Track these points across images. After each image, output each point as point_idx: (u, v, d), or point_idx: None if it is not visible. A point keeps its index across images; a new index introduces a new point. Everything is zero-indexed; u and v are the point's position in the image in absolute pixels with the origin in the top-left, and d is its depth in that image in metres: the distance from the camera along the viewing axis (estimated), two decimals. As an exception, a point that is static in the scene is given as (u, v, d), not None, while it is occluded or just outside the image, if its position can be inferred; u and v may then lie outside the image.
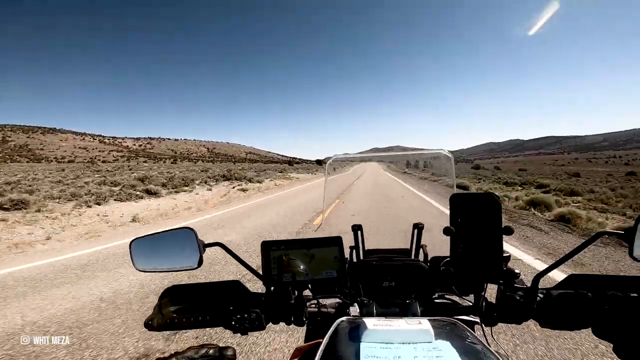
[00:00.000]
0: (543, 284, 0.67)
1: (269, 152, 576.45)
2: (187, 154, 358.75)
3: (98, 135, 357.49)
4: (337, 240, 0.75)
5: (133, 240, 0.78)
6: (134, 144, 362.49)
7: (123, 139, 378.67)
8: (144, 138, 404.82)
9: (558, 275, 2.99)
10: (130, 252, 0.78)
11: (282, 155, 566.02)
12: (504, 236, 0.71)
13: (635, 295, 0.61)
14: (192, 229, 0.73)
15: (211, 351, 0.59)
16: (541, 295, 0.68)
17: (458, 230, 0.72)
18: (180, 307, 0.74)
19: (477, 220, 0.71)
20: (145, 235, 0.78)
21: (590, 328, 0.63)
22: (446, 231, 0.71)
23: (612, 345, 0.60)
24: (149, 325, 0.72)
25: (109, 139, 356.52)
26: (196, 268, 0.72)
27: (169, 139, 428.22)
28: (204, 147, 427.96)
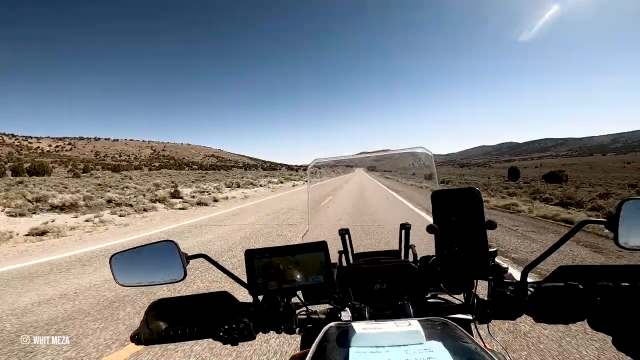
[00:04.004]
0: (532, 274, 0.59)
1: (242, 155, 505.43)
2: (117, 156, 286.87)
3: (7, 134, 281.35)
4: (321, 245, 0.73)
5: (113, 256, 0.76)
6: (50, 146, 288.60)
7: (39, 139, 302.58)
8: (70, 138, 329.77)
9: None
10: (111, 267, 0.76)
11: (258, 160, 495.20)
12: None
13: (627, 284, 0.61)
14: (173, 242, 0.71)
15: None
16: (532, 289, 0.67)
17: (442, 228, 0.71)
18: (167, 320, 0.73)
19: (460, 216, 0.70)
20: (124, 250, 0.76)
21: (585, 320, 0.63)
22: (429, 229, 0.70)
23: (610, 337, 0.59)
24: (136, 339, 0.70)
25: (18, 139, 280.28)
26: (180, 280, 0.71)
27: (100, 138, 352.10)
28: (150, 148, 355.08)
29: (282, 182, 31.36)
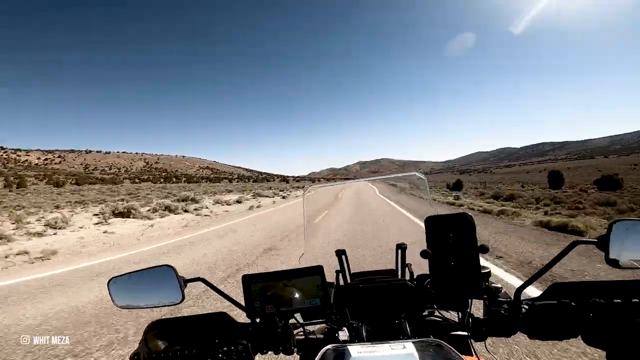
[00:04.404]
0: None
1: (238, 167, 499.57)
2: (107, 169, 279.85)
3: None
4: (317, 270, 0.74)
5: (111, 279, 0.78)
6: (39, 158, 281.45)
7: (28, 151, 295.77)
8: (60, 151, 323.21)
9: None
10: (109, 290, 0.77)
11: (254, 171, 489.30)
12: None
13: (619, 301, 0.62)
14: (171, 267, 0.73)
15: None
16: (526, 307, 0.68)
17: (435, 252, 0.72)
18: (166, 341, 0.73)
19: (453, 241, 0.72)
20: (123, 274, 0.78)
21: (579, 337, 0.64)
22: (424, 254, 0.72)
23: (604, 352, 0.60)
24: (135, 359, 0.70)
25: (7, 152, 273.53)
26: (179, 303, 0.72)
27: (92, 151, 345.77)
28: (142, 160, 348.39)
29: (256, 201, 21.18)
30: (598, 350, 0.60)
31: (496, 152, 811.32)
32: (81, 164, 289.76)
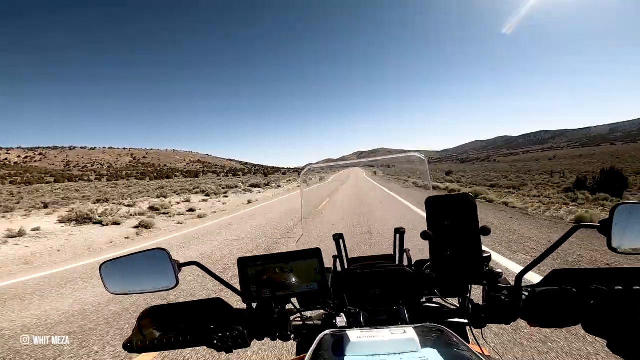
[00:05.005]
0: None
1: (232, 159, 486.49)
2: (89, 165, 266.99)
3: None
4: (316, 252, 0.72)
5: (103, 264, 0.76)
6: (19, 157, 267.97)
7: (8, 149, 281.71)
8: (43, 148, 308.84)
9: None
10: (101, 275, 0.75)
11: (248, 164, 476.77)
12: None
13: (620, 288, 0.60)
14: (165, 250, 0.71)
15: None
16: (526, 294, 0.67)
17: (436, 234, 0.71)
18: (160, 328, 0.72)
19: (454, 222, 0.70)
20: (115, 258, 0.75)
21: (580, 324, 0.63)
22: (424, 235, 0.70)
23: (605, 341, 0.59)
24: (128, 347, 0.69)
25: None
26: (173, 288, 0.71)
27: (76, 147, 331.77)
28: (129, 155, 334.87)
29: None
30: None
31: (494, 141, 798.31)
32: (62, 161, 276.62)
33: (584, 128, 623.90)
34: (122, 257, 0.75)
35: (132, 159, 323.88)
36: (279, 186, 28.77)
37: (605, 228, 0.59)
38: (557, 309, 0.63)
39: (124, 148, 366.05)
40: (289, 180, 38.98)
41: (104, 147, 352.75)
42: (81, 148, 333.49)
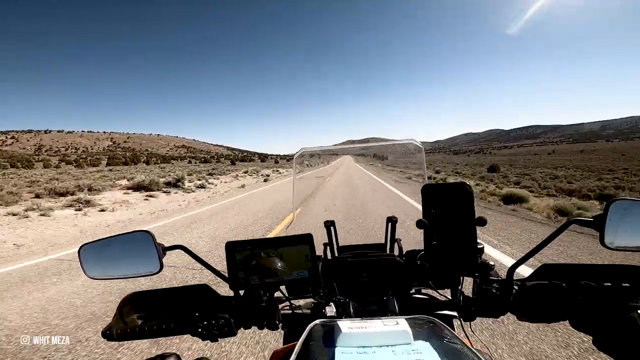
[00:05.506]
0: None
1: (219, 145, 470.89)
2: (62, 150, 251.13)
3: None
4: (307, 238, 0.69)
5: (82, 246, 0.72)
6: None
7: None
8: (16, 131, 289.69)
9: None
10: (80, 258, 0.71)
11: (236, 149, 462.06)
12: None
13: (609, 284, 0.60)
14: (149, 232, 0.68)
15: None
16: (516, 287, 0.67)
17: (431, 223, 0.69)
18: (142, 315, 0.69)
19: (450, 211, 0.69)
20: (95, 240, 0.72)
21: (567, 320, 0.63)
22: (419, 224, 0.69)
23: (591, 337, 0.59)
24: (107, 334, 0.67)
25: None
26: (157, 273, 0.67)
27: (52, 131, 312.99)
28: (109, 139, 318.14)
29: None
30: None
31: (486, 134, 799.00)
32: (35, 145, 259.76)
33: (576, 124, 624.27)
34: (103, 239, 0.71)
35: (111, 142, 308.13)
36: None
37: (598, 223, 0.58)
38: (546, 304, 0.63)
39: (104, 132, 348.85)
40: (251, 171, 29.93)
41: (82, 131, 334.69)
42: (58, 132, 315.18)
